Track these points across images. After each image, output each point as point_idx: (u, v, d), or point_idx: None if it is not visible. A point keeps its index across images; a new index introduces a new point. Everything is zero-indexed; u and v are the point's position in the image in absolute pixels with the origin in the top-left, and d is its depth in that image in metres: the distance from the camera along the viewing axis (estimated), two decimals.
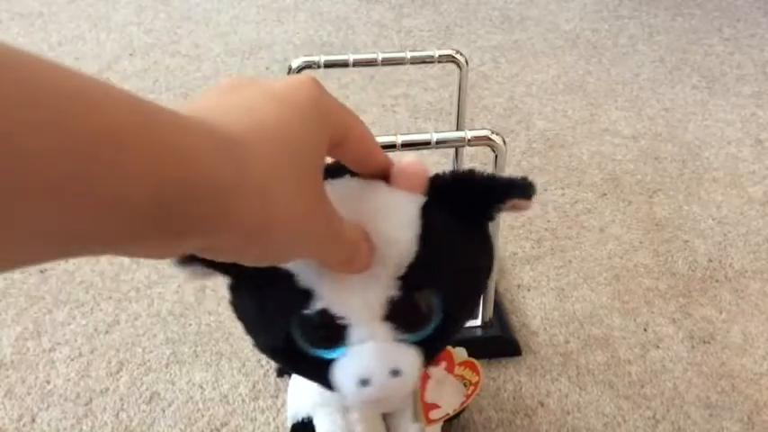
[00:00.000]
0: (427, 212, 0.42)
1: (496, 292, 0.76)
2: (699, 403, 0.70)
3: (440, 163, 1.04)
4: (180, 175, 0.25)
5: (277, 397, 0.70)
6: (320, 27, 1.46)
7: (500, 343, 0.74)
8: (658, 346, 0.76)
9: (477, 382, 0.57)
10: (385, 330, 0.41)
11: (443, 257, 0.42)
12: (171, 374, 0.72)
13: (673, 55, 1.38)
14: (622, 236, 0.91)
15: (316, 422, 0.55)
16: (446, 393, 0.56)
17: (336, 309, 0.40)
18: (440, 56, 0.74)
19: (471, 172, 0.44)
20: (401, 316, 0.42)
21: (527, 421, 0.68)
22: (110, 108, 0.23)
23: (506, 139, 0.63)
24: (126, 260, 0.85)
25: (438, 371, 0.55)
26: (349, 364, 0.42)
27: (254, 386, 0.71)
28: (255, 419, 0.68)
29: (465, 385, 0.57)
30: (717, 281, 0.85)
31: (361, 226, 0.39)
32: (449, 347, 0.55)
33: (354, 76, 1.26)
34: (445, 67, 1.28)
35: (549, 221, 0.94)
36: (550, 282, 0.84)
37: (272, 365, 0.73)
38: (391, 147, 0.62)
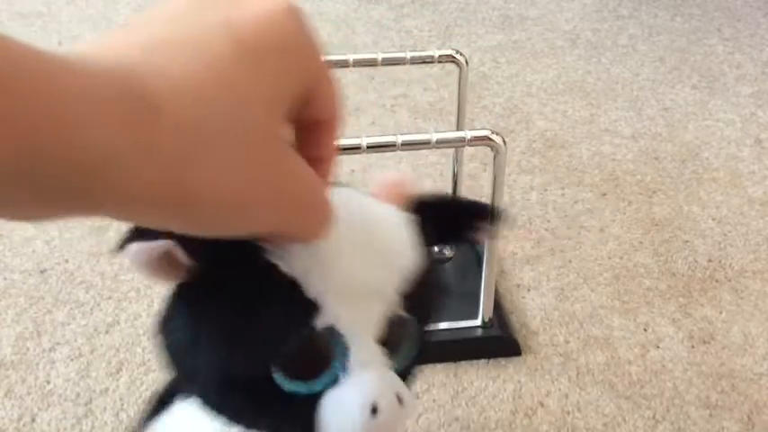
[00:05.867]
0: (418, 231, 0.38)
1: (496, 292, 0.76)
2: (699, 403, 0.70)
3: (440, 163, 1.04)
4: (49, 137, 0.20)
5: None
6: (320, 27, 1.46)
7: (500, 343, 0.74)
8: (658, 346, 0.76)
9: None
10: (380, 353, 0.36)
11: (431, 274, 0.38)
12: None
13: (673, 55, 1.38)
14: (622, 236, 0.91)
15: None
16: None
17: (342, 324, 0.34)
18: (440, 56, 0.74)
19: (450, 196, 0.42)
20: (393, 337, 0.37)
21: (527, 421, 0.68)
22: None
23: (506, 139, 0.63)
24: (126, 260, 0.85)
25: None
26: (353, 391, 0.35)
27: None
28: None
29: None
30: (717, 281, 0.85)
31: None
32: None
33: (354, 76, 1.26)
34: (445, 67, 1.28)
35: (549, 221, 0.94)
36: (550, 282, 0.84)
37: None
38: (391, 147, 0.62)
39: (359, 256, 0.35)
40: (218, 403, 0.36)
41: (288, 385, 0.34)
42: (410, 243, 0.37)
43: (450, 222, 0.42)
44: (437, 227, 0.40)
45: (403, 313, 0.36)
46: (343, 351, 0.35)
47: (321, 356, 0.35)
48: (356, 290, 0.35)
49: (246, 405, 0.36)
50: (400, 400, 0.35)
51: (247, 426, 0.37)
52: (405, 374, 0.38)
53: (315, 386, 0.35)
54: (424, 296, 0.38)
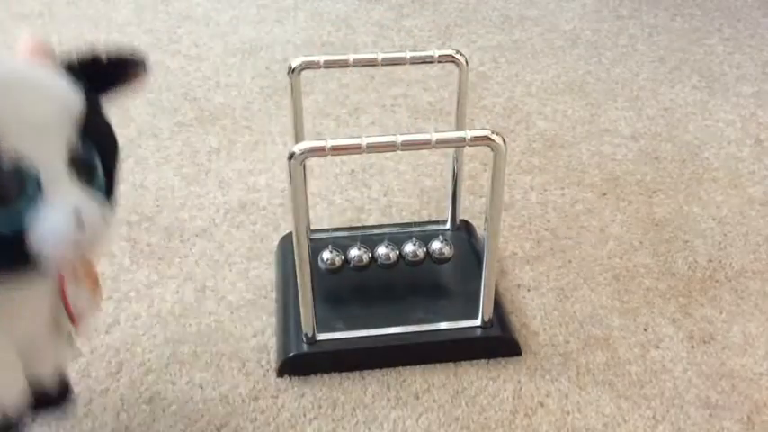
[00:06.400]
0: (71, 78, 0.45)
1: (496, 292, 0.76)
2: (699, 403, 0.70)
3: (440, 163, 1.04)
4: None
5: (277, 397, 0.70)
6: (320, 27, 1.46)
7: (500, 343, 0.74)
8: (658, 346, 0.76)
9: (98, 290, 0.57)
10: (72, 179, 0.42)
11: (99, 116, 0.46)
12: (171, 374, 0.72)
13: (673, 55, 1.38)
14: (622, 236, 0.91)
15: None
16: (82, 302, 0.55)
17: (26, 155, 0.40)
18: (440, 56, 0.74)
19: (95, 50, 0.48)
20: (80, 164, 0.43)
21: (527, 421, 0.68)
22: None
23: (506, 139, 0.63)
24: (126, 260, 0.86)
25: (72, 283, 0.54)
26: (55, 208, 0.41)
27: (254, 386, 0.71)
28: (255, 419, 0.68)
29: (92, 292, 0.57)
30: (717, 281, 0.85)
31: None
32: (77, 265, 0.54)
33: (354, 76, 1.26)
34: (445, 67, 1.28)
35: (549, 221, 0.94)
36: (550, 282, 0.84)
37: (271, 365, 0.73)
38: (391, 146, 0.62)
39: (21, 95, 0.41)
40: None
41: None
42: (67, 85, 0.44)
43: (103, 74, 0.48)
44: (92, 78, 0.47)
45: (83, 144, 0.43)
46: (34, 178, 0.40)
47: (12, 188, 0.40)
48: (31, 125, 0.40)
49: None
50: (100, 212, 0.43)
51: None
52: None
53: (14, 213, 0.40)
54: (99, 133, 0.45)
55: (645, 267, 0.86)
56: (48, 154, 0.41)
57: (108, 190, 0.46)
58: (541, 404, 0.70)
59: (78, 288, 0.54)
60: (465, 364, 0.73)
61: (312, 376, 0.72)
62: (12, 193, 0.40)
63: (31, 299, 0.50)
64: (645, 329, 0.78)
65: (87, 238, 0.42)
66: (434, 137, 0.62)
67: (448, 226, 0.88)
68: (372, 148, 0.62)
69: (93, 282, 0.56)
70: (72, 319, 0.54)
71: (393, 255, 0.78)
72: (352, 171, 1.02)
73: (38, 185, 0.40)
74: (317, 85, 1.24)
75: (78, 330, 0.56)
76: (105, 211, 0.44)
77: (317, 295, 0.71)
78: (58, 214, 0.41)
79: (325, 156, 0.61)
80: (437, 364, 0.73)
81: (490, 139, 0.62)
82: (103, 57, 0.48)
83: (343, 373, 0.72)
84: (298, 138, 0.77)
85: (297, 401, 0.69)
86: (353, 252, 0.77)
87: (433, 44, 1.40)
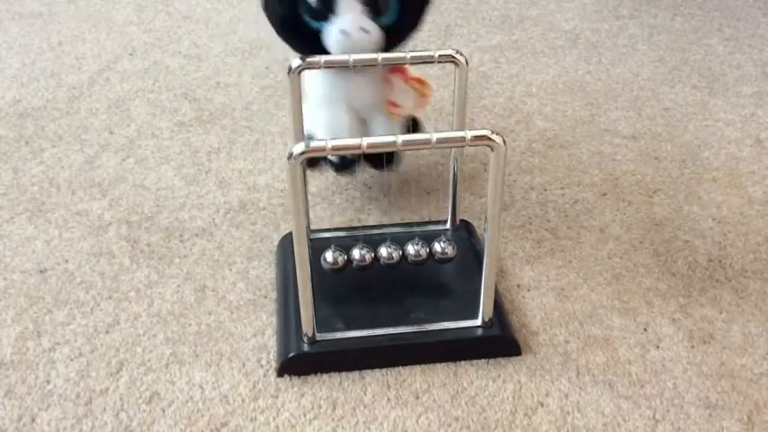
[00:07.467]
0: None
1: (496, 292, 0.76)
2: (699, 403, 0.70)
3: (440, 163, 1.04)
4: None
5: (277, 397, 0.70)
6: None
7: (500, 343, 0.74)
8: (658, 346, 0.76)
9: (427, 95, 0.84)
10: (360, 8, 0.76)
11: None
12: (171, 374, 0.72)
13: (673, 55, 1.38)
14: (622, 236, 0.91)
15: (319, 120, 0.83)
16: (402, 97, 0.83)
17: None
18: (440, 56, 0.74)
19: None
20: (371, 2, 0.76)
21: (527, 421, 0.68)
22: None
23: (506, 139, 0.63)
24: (126, 260, 0.86)
25: (397, 80, 0.82)
26: (336, 23, 0.76)
27: (254, 386, 0.71)
28: (255, 419, 0.68)
29: (418, 93, 0.83)
30: (717, 281, 0.85)
31: None
32: (406, 67, 0.82)
33: None
34: (445, 67, 1.28)
35: (548, 221, 0.94)
36: (550, 282, 0.84)
37: (271, 365, 0.73)
38: (391, 146, 0.62)
39: None
40: (282, 32, 0.81)
41: (309, 22, 0.77)
42: None
43: None
44: None
45: None
46: (332, 5, 0.76)
47: (327, 6, 0.76)
48: None
49: (292, 34, 0.80)
50: (365, 30, 0.75)
51: (301, 50, 0.78)
52: (393, 31, 0.79)
53: (322, 25, 0.77)
54: None
55: (645, 267, 0.86)
56: None
57: (399, 18, 0.78)
58: (541, 404, 0.70)
59: (401, 86, 0.83)
60: (465, 364, 0.73)
61: (312, 376, 0.72)
62: (323, 10, 0.76)
63: (359, 83, 0.82)
64: (645, 329, 0.78)
65: (354, 46, 0.75)
66: (434, 137, 0.62)
67: (448, 226, 0.88)
68: (372, 148, 0.62)
69: (421, 84, 0.83)
70: (390, 105, 0.83)
71: (396, 254, 0.78)
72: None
73: (334, 9, 0.76)
74: None
75: (393, 114, 0.84)
76: (371, 27, 0.76)
77: (317, 295, 0.71)
78: (332, 29, 0.76)
79: (325, 156, 0.61)
80: (437, 364, 0.73)
81: (490, 139, 0.62)
82: None
83: (343, 373, 0.72)
84: (298, 138, 0.77)
85: (297, 401, 0.70)
86: (356, 252, 0.77)
87: (433, 44, 1.40)
